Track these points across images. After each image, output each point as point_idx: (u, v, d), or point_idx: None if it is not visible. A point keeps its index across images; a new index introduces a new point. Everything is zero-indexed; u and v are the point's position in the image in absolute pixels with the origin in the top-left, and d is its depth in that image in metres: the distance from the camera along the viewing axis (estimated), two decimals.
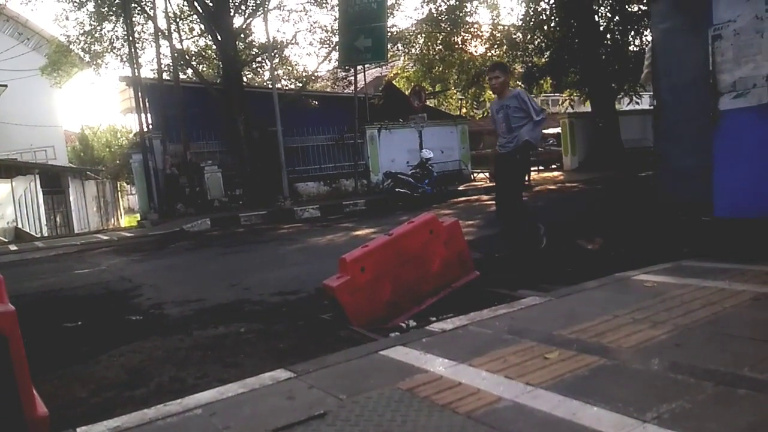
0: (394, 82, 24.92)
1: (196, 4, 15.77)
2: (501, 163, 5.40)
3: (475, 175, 19.22)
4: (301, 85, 18.99)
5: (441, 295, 3.78)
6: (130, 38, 14.89)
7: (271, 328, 3.75)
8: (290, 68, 20.85)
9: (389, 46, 17.87)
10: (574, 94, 21.92)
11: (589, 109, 21.05)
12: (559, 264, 5.01)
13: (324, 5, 18.09)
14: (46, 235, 19.77)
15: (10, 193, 18.90)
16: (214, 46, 17.63)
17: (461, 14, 19.70)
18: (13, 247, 12.61)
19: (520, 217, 5.33)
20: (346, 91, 19.91)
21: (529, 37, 19.99)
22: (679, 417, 1.85)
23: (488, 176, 18.20)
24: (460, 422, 1.93)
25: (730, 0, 4.25)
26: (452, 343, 2.76)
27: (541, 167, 22.90)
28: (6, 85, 21.44)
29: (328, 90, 21.89)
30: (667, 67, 5.08)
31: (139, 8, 16.61)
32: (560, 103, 25.84)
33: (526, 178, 5.68)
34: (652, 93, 5.34)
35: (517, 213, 5.32)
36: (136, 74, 14.84)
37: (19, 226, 18.79)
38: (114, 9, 16.83)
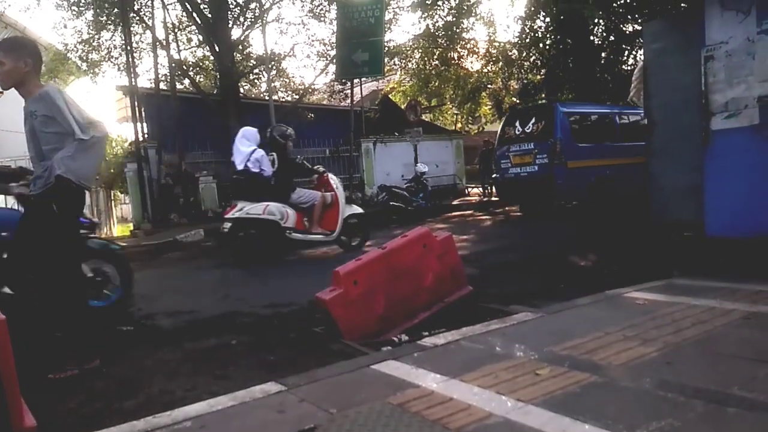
0: (390, 95, 25.08)
1: (194, 15, 15.86)
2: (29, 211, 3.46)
3: (469, 189, 19.33)
4: (297, 97, 19.06)
5: (434, 309, 3.77)
6: (128, 48, 14.91)
7: (262, 340, 3.73)
8: (287, 80, 20.93)
9: (386, 60, 18.00)
10: None
11: None
12: (551, 280, 5.03)
13: (322, 19, 18.22)
14: None
15: (2, 199, 18.80)
16: (211, 57, 17.69)
17: (458, 30, 19.87)
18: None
19: (64, 299, 3.25)
20: (342, 104, 20.00)
21: (524, 54, 20.18)
22: None
23: (480, 191, 18.30)
24: None
25: (722, 22, 4.33)
26: (444, 358, 2.76)
27: None
28: (2, 92, 21.40)
29: (325, 102, 21.98)
30: (658, 87, 5.15)
31: (137, 18, 16.67)
32: None
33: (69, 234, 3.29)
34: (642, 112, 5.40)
35: (61, 292, 3.23)
36: (133, 83, 14.85)
37: None
38: (112, 18, 16.87)
